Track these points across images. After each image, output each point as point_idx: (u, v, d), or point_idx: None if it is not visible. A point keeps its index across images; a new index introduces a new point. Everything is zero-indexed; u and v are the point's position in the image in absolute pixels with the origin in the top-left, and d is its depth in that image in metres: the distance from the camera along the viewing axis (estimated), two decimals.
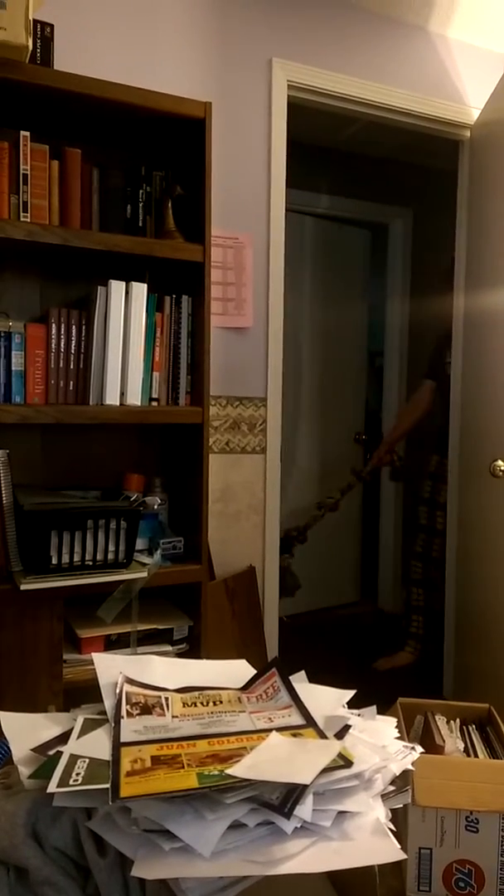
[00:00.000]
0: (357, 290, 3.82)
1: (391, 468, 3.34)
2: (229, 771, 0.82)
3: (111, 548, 1.61)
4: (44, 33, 1.66)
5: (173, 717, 0.99)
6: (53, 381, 1.64)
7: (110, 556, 1.61)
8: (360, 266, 3.83)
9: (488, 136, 2.42)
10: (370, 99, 2.36)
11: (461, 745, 1.51)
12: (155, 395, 1.74)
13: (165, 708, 1.01)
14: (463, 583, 2.59)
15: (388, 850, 0.80)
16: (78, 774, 0.83)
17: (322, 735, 0.94)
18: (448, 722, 1.60)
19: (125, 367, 1.67)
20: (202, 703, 1.03)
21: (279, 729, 0.95)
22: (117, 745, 0.89)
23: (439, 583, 3.03)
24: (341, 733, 0.95)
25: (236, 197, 2.18)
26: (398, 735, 1.01)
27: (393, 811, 0.89)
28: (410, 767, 0.95)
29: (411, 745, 0.99)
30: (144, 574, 1.63)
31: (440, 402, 3.04)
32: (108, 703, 1.00)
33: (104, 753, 0.88)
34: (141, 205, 1.81)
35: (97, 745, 0.90)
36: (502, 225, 2.31)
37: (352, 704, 1.08)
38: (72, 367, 1.65)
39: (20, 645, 1.55)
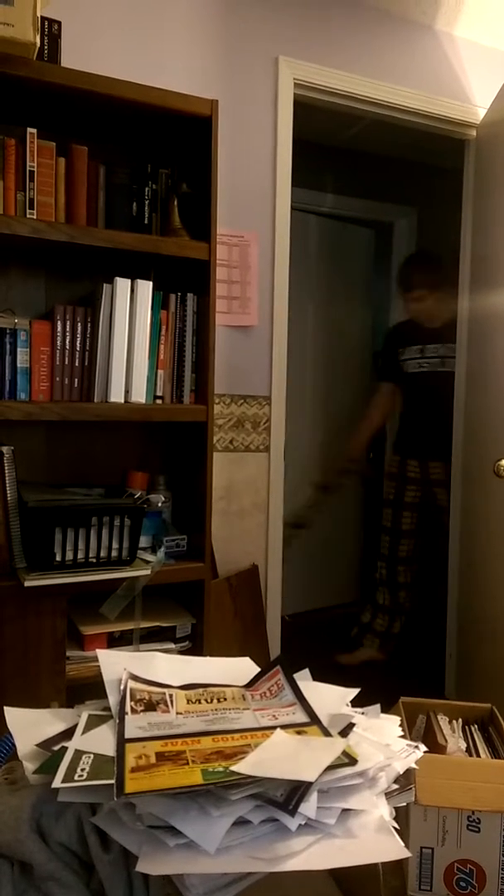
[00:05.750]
0: (361, 289, 3.81)
1: (361, 475, 3.27)
2: (234, 768, 0.82)
3: (115, 545, 1.61)
4: (51, 30, 1.66)
5: (177, 713, 0.99)
6: (58, 378, 1.64)
7: (114, 553, 1.61)
8: (365, 265, 3.83)
9: (494, 135, 2.42)
10: (376, 97, 2.36)
11: (463, 745, 1.51)
12: (159, 393, 1.74)
13: (170, 704, 1.01)
14: (466, 583, 2.59)
15: (392, 849, 0.80)
16: (83, 770, 0.83)
17: (326, 733, 0.94)
18: (450, 722, 1.60)
19: (130, 365, 1.67)
20: (206, 700, 1.03)
21: (283, 726, 0.95)
22: (122, 742, 0.89)
23: (411, 583, 3.00)
24: (345, 731, 0.95)
25: (242, 195, 2.18)
26: (402, 734, 1.01)
27: (395, 810, 0.89)
28: (414, 766, 0.95)
29: (415, 743, 0.99)
30: (148, 572, 1.63)
31: (400, 403, 3.01)
32: (113, 700, 1.00)
33: (109, 749, 0.88)
34: (147, 202, 1.81)
35: (102, 741, 0.90)
36: None
37: (355, 703, 1.08)
38: (77, 364, 1.65)
39: (24, 641, 1.55)
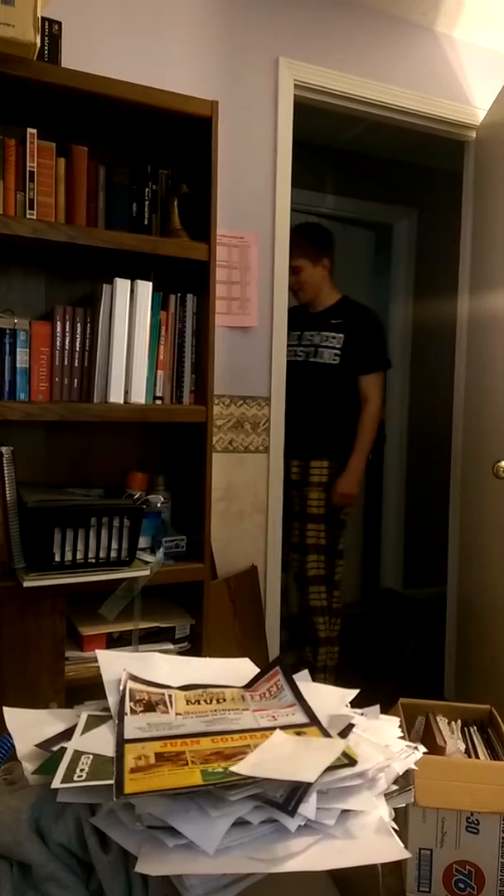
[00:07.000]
0: (361, 290, 3.80)
1: None
2: (233, 768, 0.82)
3: (114, 546, 1.61)
4: (52, 31, 1.66)
5: (177, 714, 0.99)
6: (58, 378, 1.64)
7: (113, 553, 1.61)
8: (365, 267, 3.82)
9: (494, 136, 2.42)
10: (376, 99, 2.36)
11: (462, 746, 1.51)
12: (159, 394, 1.74)
13: (169, 705, 1.01)
14: (465, 584, 2.59)
15: (391, 849, 0.80)
16: (82, 770, 0.83)
17: (326, 733, 0.94)
18: (449, 723, 1.60)
19: (129, 366, 1.67)
20: (206, 701, 1.03)
21: (283, 727, 0.95)
22: (121, 742, 0.89)
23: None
24: (345, 732, 0.95)
25: (242, 196, 2.18)
26: (401, 735, 1.01)
27: (394, 811, 0.89)
28: (413, 767, 0.95)
29: (414, 744, 0.99)
30: (147, 572, 1.63)
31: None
32: (112, 700, 1.00)
33: (108, 750, 0.88)
34: (147, 203, 1.81)
35: (101, 741, 0.90)
36: None
37: (354, 704, 1.08)
38: (76, 364, 1.65)
39: (23, 641, 1.55)
